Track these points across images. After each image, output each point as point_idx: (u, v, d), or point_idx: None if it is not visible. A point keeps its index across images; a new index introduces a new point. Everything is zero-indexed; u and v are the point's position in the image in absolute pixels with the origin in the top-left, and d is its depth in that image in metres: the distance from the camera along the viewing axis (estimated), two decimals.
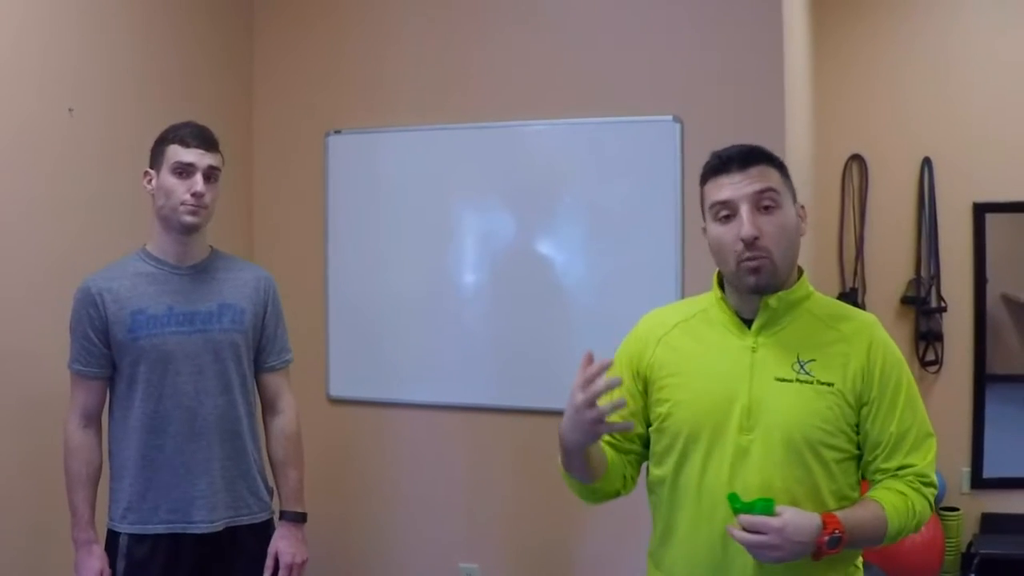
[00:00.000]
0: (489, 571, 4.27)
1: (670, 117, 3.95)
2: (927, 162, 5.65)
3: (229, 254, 3.07)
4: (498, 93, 4.20)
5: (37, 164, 3.36)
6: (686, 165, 3.90)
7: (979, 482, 5.60)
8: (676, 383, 2.19)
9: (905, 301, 5.72)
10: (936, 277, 5.65)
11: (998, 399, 5.66)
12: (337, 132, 4.39)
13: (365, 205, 4.36)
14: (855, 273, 5.77)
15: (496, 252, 4.27)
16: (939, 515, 5.21)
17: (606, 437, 2.24)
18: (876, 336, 2.15)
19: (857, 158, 5.78)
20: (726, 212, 2.09)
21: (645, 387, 2.26)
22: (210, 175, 2.85)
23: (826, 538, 1.97)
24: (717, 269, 2.22)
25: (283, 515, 3.05)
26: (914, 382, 2.18)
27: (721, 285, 2.22)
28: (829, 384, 2.08)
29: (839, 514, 2.03)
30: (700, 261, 3.94)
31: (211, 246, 3.00)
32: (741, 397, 2.10)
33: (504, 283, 4.22)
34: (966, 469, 5.61)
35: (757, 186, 2.08)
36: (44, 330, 3.15)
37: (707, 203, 2.14)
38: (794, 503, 2.03)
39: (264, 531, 3.02)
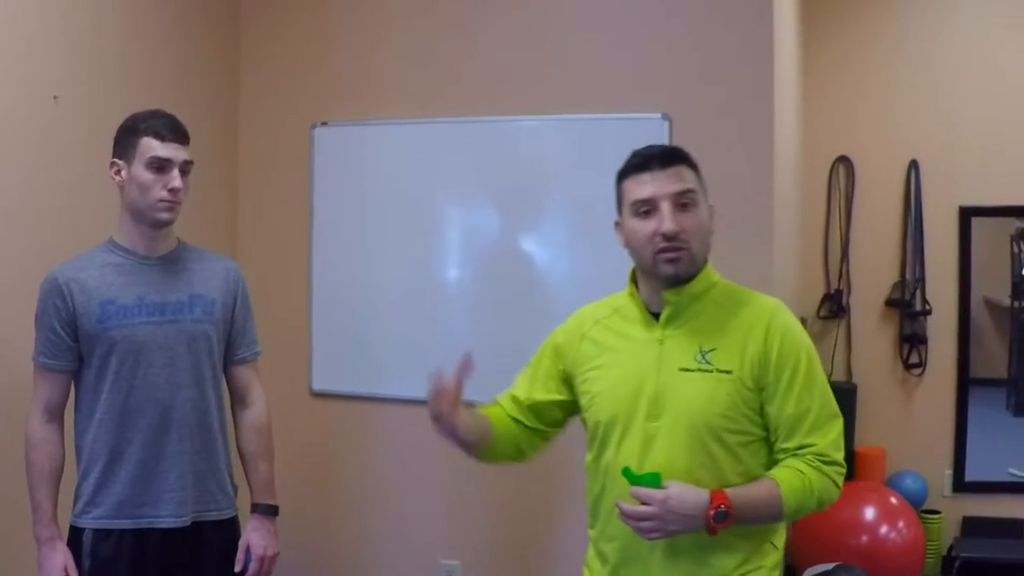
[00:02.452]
0: (470, 567, 4.26)
1: (659, 115, 3.94)
2: (914, 165, 5.67)
3: (196, 246, 3.01)
4: (486, 88, 4.19)
5: (20, 151, 3.33)
6: None
7: (961, 485, 5.62)
8: (595, 376, 2.36)
9: (890, 304, 5.73)
10: (921, 280, 5.67)
11: (981, 403, 5.69)
12: (323, 124, 4.37)
13: (350, 198, 4.34)
14: (840, 275, 5.78)
15: (481, 248, 4.26)
16: (921, 518, 5.22)
17: (511, 411, 2.51)
18: (775, 321, 2.26)
19: (844, 160, 5.79)
20: (646, 208, 2.23)
21: (568, 378, 2.44)
22: (185, 169, 2.79)
23: (712, 512, 2.10)
24: (633, 266, 2.36)
25: (255, 508, 3.02)
26: (817, 364, 2.27)
27: (635, 281, 2.37)
28: (728, 371, 2.21)
29: (729, 491, 2.15)
30: None
31: (178, 238, 2.94)
32: (648, 387, 2.25)
33: (489, 279, 4.21)
34: (948, 472, 5.63)
35: (678, 186, 2.22)
36: (23, 320, 3.12)
37: (627, 199, 2.27)
38: (698, 484, 2.15)
39: (229, 528, 2.98)
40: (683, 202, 2.22)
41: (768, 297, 2.35)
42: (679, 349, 2.25)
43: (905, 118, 5.69)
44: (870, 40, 5.75)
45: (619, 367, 2.32)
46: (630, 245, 2.29)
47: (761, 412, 2.23)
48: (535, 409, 2.49)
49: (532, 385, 2.50)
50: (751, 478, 2.22)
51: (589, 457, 2.40)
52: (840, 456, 2.23)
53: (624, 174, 2.30)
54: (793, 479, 2.18)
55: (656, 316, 2.30)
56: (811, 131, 5.70)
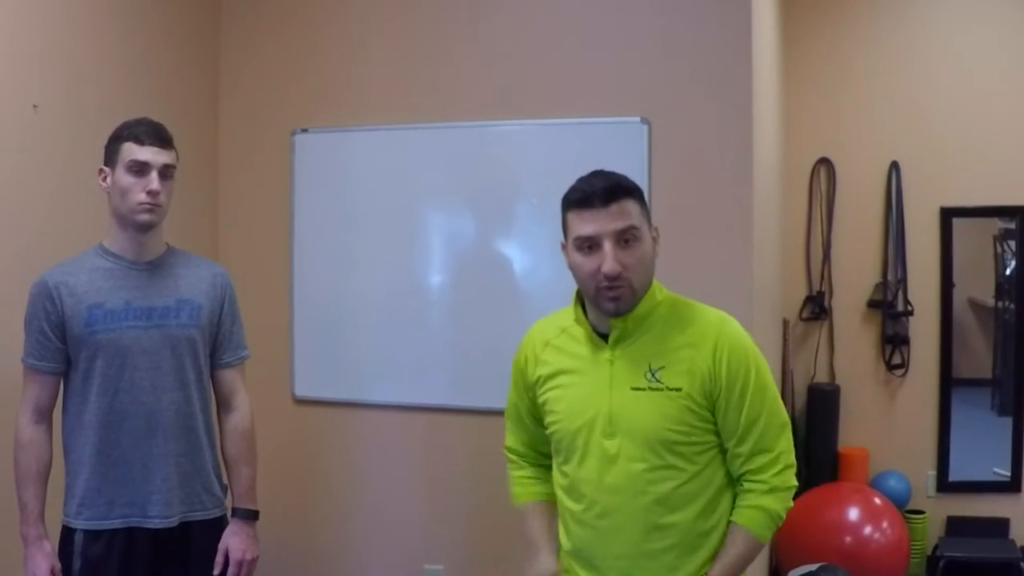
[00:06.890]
0: (454, 572, 4.26)
1: (638, 119, 3.95)
2: (895, 166, 5.69)
3: (185, 251, 3.06)
4: (466, 93, 4.19)
5: (1, 159, 3.33)
6: (654, 167, 3.91)
7: (945, 485, 5.65)
8: (555, 396, 2.44)
9: (872, 305, 5.76)
10: (903, 281, 5.69)
11: (964, 403, 5.72)
12: (304, 131, 4.37)
13: (331, 204, 4.34)
14: (822, 276, 5.80)
15: (462, 253, 4.26)
16: (905, 518, 5.24)
17: (534, 452, 2.67)
18: (721, 337, 2.32)
19: (825, 162, 5.81)
20: (589, 244, 2.28)
21: (535, 396, 2.52)
22: (165, 173, 2.83)
23: None
24: (577, 288, 2.41)
25: (235, 512, 3.05)
26: (765, 372, 2.35)
27: (581, 301, 2.42)
28: (677, 389, 2.29)
29: (716, 569, 2.30)
30: (667, 264, 3.95)
31: (167, 243, 2.99)
32: (603, 407, 2.33)
33: (470, 285, 4.21)
34: (932, 472, 5.66)
35: (620, 224, 2.26)
36: (9, 323, 3.11)
37: (571, 233, 2.32)
38: (662, 494, 2.29)
39: (217, 528, 3.01)
40: (625, 238, 2.26)
41: (713, 311, 2.40)
42: (629, 369, 2.32)
43: (885, 120, 5.72)
44: (850, 42, 5.78)
45: (575, 387, 2.39)
46: (574, 274, 2.35)
47: (714, 422, 2.31)
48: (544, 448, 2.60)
49: (528, 435, 2.63)
50: (710, 481, 2.33)
51: (554, 467, 2.52)
52: (791, 459, 2.34)
53: (567, 205, 2.34)
54: (759, 517, 2.31)
55: (604, 337, 2.36)
56: (792, 133, 5.73)
